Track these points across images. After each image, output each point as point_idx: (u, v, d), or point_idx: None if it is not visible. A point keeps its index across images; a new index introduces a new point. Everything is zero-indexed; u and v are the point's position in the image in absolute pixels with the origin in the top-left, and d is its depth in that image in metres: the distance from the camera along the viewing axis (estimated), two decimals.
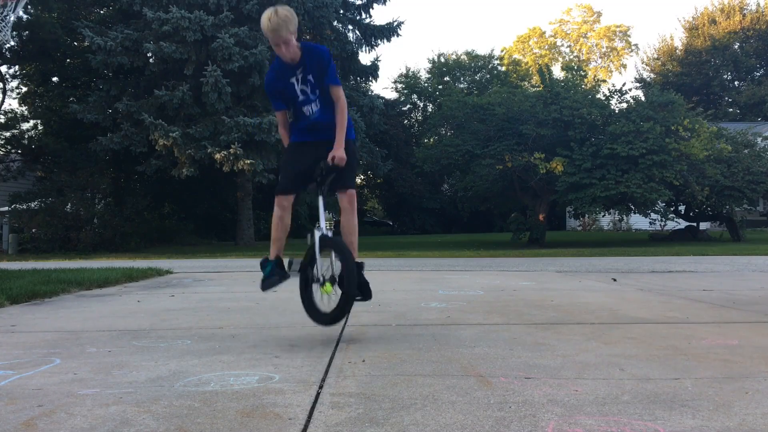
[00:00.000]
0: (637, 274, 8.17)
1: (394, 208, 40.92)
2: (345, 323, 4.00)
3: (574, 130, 18.07)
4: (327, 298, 3.33)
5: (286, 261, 3.51)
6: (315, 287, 3.41)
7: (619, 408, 2.09)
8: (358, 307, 4.83)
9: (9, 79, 24.15)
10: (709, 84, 42.46)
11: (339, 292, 3.29)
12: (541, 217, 19.46)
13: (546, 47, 57.12)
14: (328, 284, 3.30)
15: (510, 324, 3.91)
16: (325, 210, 3.45)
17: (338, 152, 3.31)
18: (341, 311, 3.26)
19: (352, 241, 3.48)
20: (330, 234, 3.40)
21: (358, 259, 3.44)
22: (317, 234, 3.39)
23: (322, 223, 3.40)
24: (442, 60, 43.15)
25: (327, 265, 3.37)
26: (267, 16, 3.22)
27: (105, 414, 2.07)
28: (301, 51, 3.34)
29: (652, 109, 18.08)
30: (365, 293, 3.43)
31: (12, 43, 17.84)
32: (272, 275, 3.47)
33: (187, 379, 2.56)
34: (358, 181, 42.89)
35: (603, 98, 19.79)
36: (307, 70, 3.37)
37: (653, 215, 19.54)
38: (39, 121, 25.42)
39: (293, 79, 3.38)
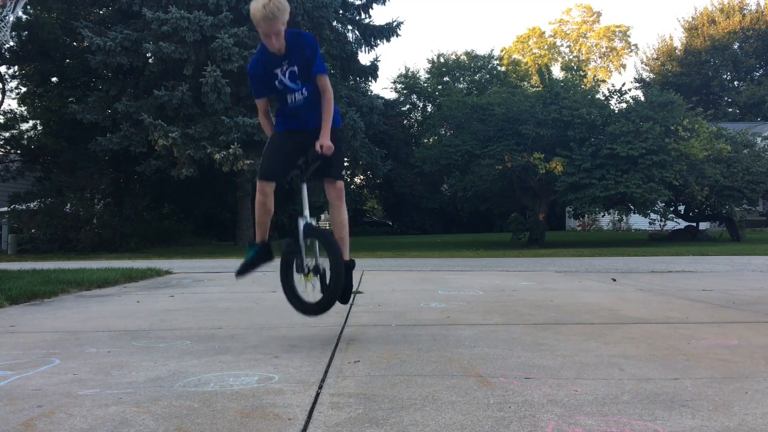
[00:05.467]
0: (636, 274, 8.17)
1: (393, 209, 40.88)
2: (345, 323, 4.00)
3: (574, 130, 18.07)
4: (310, 286, 3.33)
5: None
6: (297, 276, 3.39)
7: (618, 408, 2.09)
8: (357, 307, 4.84)
9: (8, 80, 24.14)
10: (708, 84, 42.48)
11: (318, 285, 3.31)
12: (540, 217, 19.47)
13: (545, 47, 57.15)
14: (310, 274, 3.30)
15: (510, 324, 3.91)
16: (309, 198, 3.43)
17: (325, 141, 3.23)
18: (323, 307, 3.27)
19: (342, 237, 3.41)
20: (314, 223, 3.36)
21: (348, 258, 3.42)
22: (301, 222, 3.35)
23: (306, 211, 3.37)
24: (442, 60, 43.14)
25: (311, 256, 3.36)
26: (261, 3, 3.09)
27: (104, 414, 2.07)
28: (287, 40, 3.25)
29: (651, 109, 18.09)
30: (344, 296, 3.41)
31: (11, 43, 17.84)
32: (254, 261, 3.44)
33: (187, 379, 2.56)
34: (358, 181, 42.85)
35: (602, 98, 19.80)
36: (292, 61, 3.29)
37: (653, 215, 19.54)
38: (38, 122, 25.41)
39: (278, 70, 3.31)
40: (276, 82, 3.34)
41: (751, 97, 39.93)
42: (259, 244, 3.47)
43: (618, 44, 56.41)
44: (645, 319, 4.09)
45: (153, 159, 18.91)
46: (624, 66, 57.50)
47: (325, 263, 3.29)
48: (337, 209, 3.44)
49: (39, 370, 2.76)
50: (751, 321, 3.99)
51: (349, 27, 23.75)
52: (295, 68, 3.29)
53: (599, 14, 58.38)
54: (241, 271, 3.52)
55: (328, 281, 3.27)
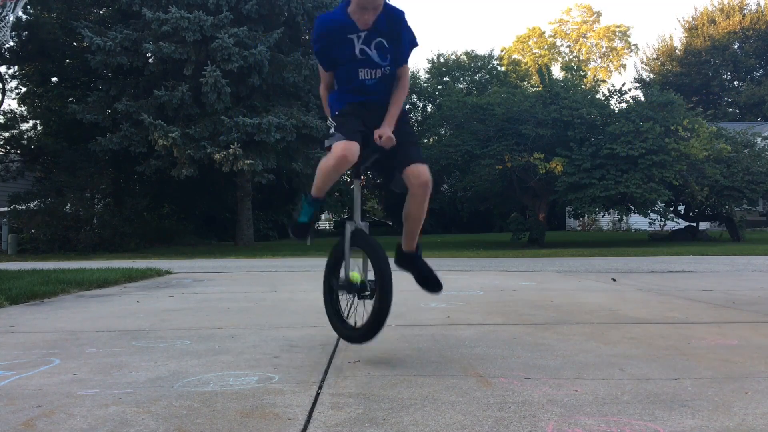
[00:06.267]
0: (636, 274, 8.17)
1: (393, 209, 40.88)
2: None
3: (574, 130, 18.08)
4: (360, 306, 2.85)
5: None
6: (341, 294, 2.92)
7: (618, 408, 2.09)
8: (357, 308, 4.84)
9: (8, 80, 24.14)
10: (708, 84, 42.48)
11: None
12: (540, 217, 19.47)
13: (545, 47, 57.13)
14: (355, 273, 2.78)
15: (510, 324, 3.91)
16: (360, 197, 2.91)
17: (387, 131, 2.74)
18: (372, 330, 2.72)
19: (412, 230, 2.92)
20: (365, 228, 2.83)
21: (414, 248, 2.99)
22: (349, 228, 2.82)
23: (356, 214, 2.85)
24: (442, 60, 43.11)
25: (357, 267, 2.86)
26: None
27: (104, 414, 2.07)
28: (380, 13, 2.75)
29: (651, 109, 18.10)
30: (433, 285, 2.98)
31: (11, 43, 17.82)
32: (311, 220, 3.00)
33: (187, 379, 2.56)
34: None
35: (602, 98, 19.81)
36: (376, 33, 2.78)
37: (653, 215, 19.54)
38: (38, 122, 25.40)
39: (353, 36, 2.78)
40: (347, 51, 2.81)
41: (751, 97, 39.92)
42: (321, 199, 2.93)
43: (618, 44, 56.39)
44: (645, 319, 4.09)
45: (153, 159, 18.89)
46: (624, 66, 57.54)
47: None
48: (419, 201, 2.88)
49: (39, 370, 2.76)
50: (751, 321, 3.99)
51: None
52: (385, 42, 2.80)
53: (599, 14, 58.39)
54: (299, 233, 3.05)
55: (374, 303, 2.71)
